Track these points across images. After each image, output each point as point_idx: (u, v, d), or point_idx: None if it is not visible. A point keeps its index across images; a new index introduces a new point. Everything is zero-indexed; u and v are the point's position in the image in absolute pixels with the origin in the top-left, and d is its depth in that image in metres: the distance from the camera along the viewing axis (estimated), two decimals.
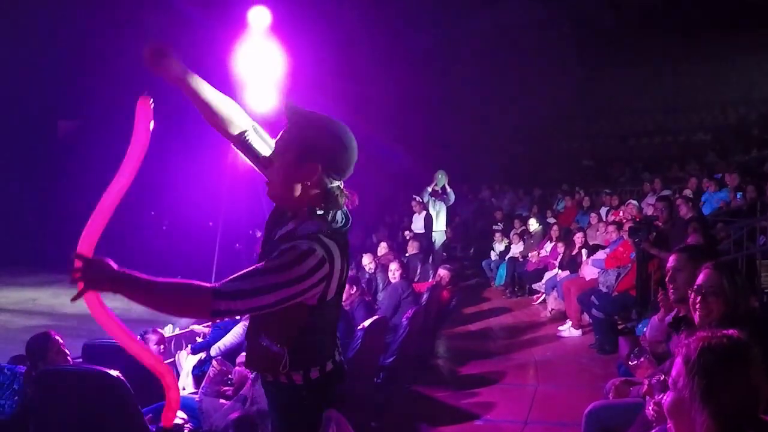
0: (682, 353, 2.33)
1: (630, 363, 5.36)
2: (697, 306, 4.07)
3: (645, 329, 7.55)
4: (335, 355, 3.34)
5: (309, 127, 3.13)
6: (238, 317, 2.77)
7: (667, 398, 2.39)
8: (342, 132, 3.19)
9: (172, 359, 8.53)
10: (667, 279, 4.83)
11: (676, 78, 25.77)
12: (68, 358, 5.70)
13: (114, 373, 4.81)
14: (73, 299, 3.00)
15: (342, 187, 3.16)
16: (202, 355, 8.44)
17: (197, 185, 18.72)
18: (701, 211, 12.79)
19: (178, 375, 8.51)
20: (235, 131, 3.33)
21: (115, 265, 2.97)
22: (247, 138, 3.35)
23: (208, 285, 2.88)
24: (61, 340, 5.62)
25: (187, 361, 8.42)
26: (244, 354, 6.76)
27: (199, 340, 9.04)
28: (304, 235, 3.03)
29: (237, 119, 3.34)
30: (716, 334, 2.31)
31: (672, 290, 4.75)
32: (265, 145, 3.38)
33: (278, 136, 3.18)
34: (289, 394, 3.31)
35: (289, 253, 2.93)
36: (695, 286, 4.08)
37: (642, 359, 5.23)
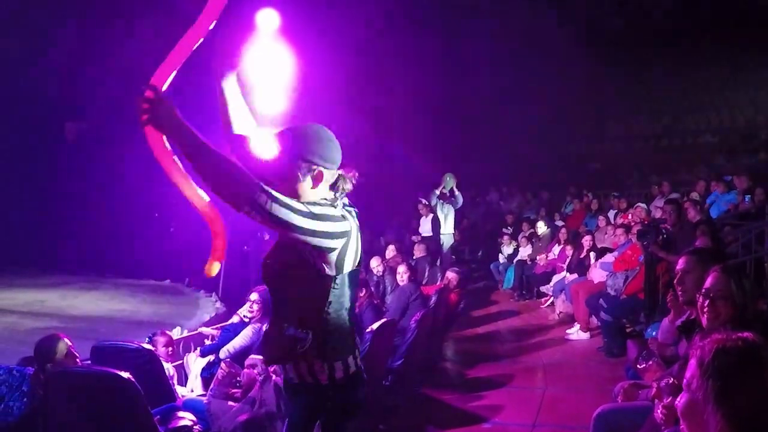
0: (697, 355, 2.32)
1: (638, 366, 5.36)
2: (705, 309, 4.06)
3: (653, 332, 7.55)
4: (357, 355, 3.57)
5: (294, 142, 3.49)
6: (265, 217, 2.85)
7: (680, 400, 2.39)
8: (319, 130, 3.57)
9: (180, 361, 8.53)
10: (675, 281, 4.83)
11: (684, 81, 25.73)
12: (77, 360, 5.71)
13: (125, 374, 4.83)
14: (142, 125, 3.17)
15: (341, 172, 3.60)
16: (211, 357, 8.45)
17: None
18: (709, 213, 12.80)
19: (186, 377, 8.52)
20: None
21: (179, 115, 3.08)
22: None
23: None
24: (70, 343, 5.62)
25: (195, 363, 8.43)
26: (253, 356, 6.79)
27: (207, 342, 9.04)
28: None
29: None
30: (731, 336, 2.31)
31: (680, 293, 4.76)
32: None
33: (270, 162, 3.57)
34: (315, 396, 3.52)
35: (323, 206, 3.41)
36: (703, 290, 4.07)
37: (650, 362, 5.22)
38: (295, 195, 3.42)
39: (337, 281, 3.48)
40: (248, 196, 3.07)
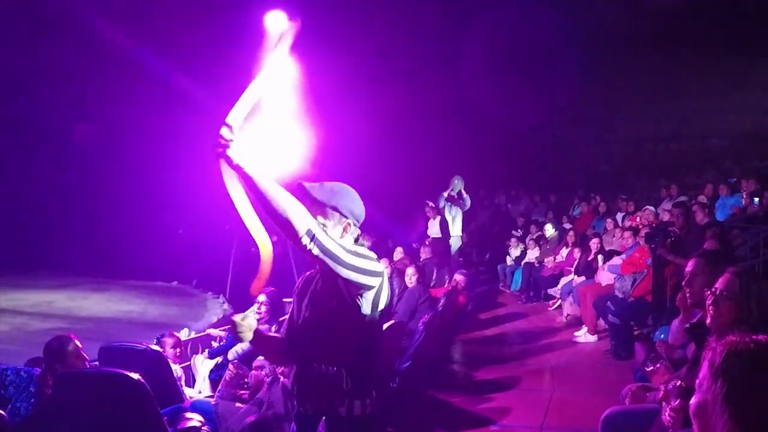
0: (708, 356, 2.33)
1: (646, 369, 5.36)
2: (710, 308, 4.08)
3: (661, 335, 7.55)
4: (373, 396, 3.85)
5: (335, 196, 3.86)
6: (316, 252, 3.16)
7: (692, 400, 2.40)
8: (350, 189, 3.96)
9: (188, 363, 8.55)
10: (683, 283, 4.84)
11: (693, 84, 25.69)
12: (86, 361, 5.72)
13: (134, 375, 4.85)
14: (215, 158, 3.44)
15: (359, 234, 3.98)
16: (219, 359, 8.46)
17: (213, 189, 18.73)
18: (715, 217, 12.79)
19: (194, 379, 8.54)
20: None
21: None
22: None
23: None
24: (79, 344, 5.64)
25: (203, 365, 8.45)
26: (260, 358, 6.79)
27: (215, 344, 9.05)
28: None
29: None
30: (744, 338, 2.31)
31: (689, 295, 4.77)
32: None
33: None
34: (336, 427, 3.80)
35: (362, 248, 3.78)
36: (713, 288, 4.09)
37: (658, 365, 5.22)
38: None
39: (372, 320, 3.77)
40: (305, 229, 3.41)
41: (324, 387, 3.77)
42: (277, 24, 4.08)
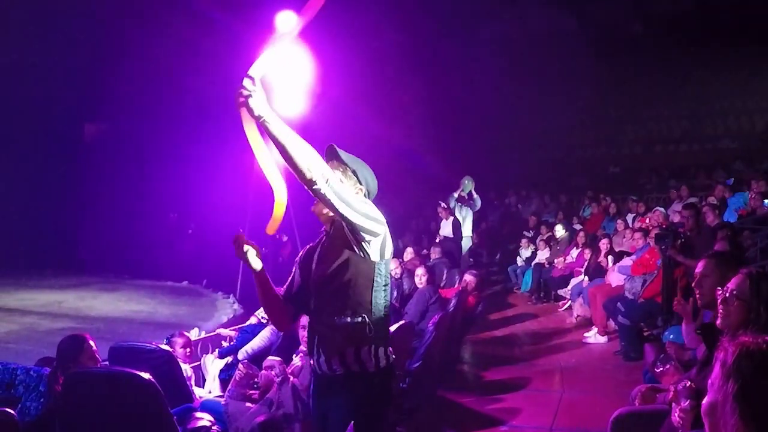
0: (720, 356, 2.33)
1: (656, 370, 5.36)
2: (720, 307, 4.09)
3: (671, 336, 7.54)
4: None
5: (355, 163, 4.19)
6: (329, 196, 3.37)
7: (705, 400, 2.40)
8: (371, 169, 4.27)
9: (198, 363, 8.56)
10: (693, 284, 4.84)
11: (703, 85, 25.64)
12: (98, 362, 5.72)
13: (145, 375, 4.85)
14: (238, 107, 3.59)
15: None
16: (229, 358, 8.47)
17: (223, 188, 18.76)
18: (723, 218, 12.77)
19: (204, 379, 8.55)
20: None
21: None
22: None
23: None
24: (93, 344, 5.64)
25: (213, 364, 8.45)
26: (270, 358, 6.80)
27: (225, 344, 9.06)
28: None
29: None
30: (757, 339, 2.32)
31: (698, 296, 4.77)
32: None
33: None
34: (363, 384, 3.97)
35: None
36: (724, 288, 4.09)
37: (668, 366, 5.23)
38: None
39: (381, 269, 4.04)
40: (320, 172, 3.62)
41: (348, 337, 3.96)
42: (287, 24, 4.14)
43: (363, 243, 3.92)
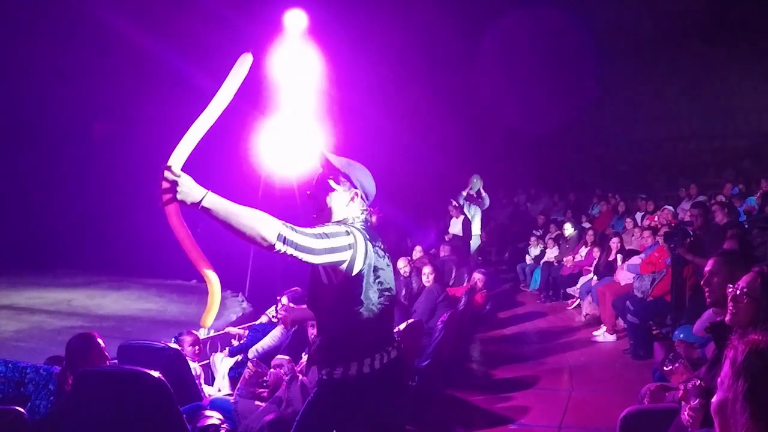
0: (730, 354, 2.33)
1: (665, 368, 5.35)
2: (730, 305, 4.09)
3: (681, 335, 7.54)
4: (384, 353, 4.10)
5: (348, 167, 4.24)
6: (291, 251, 3.57)
7: (714, 399, 2.40)
8: (366, 170, 4.31)
9: (206, 361, 8.58)
10: (702, 283, 4.84)
11: (713, 84, 25.59)
12: (108, 360, 5.74)
13: (155, 374, 4.87)
14: (163, 205, 3.51)
15: (366, 208, 4.26)
16: (239, 357, 8.49)
17: (232, 189, 18.76)
18: (737, 216, 12.75)
19: (213, 377, 8.57)
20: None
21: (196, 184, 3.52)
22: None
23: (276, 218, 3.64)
24: (102, 343, 5.66)
25: (222, 363, 8.47)
26: (279, 356, 6.83)
27: (234, 342, 9.07)
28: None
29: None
30: (766, 337, 2.31)
31: (707, 293, 4.77)
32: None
33: (316, 179, 4.27)
34: (341, 390, 4.08)
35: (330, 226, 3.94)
36: (735, 285, 4.09)
37: (677, 364, 5.22)
38: (326, 206, 4.20)
39: (348, 287, 4.00)
40: (275, 235, 3.57)
41: (314, 353, 4.33)
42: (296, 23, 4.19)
43: (332, 271, 3.99)
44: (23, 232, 21.32)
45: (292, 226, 3.69)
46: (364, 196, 4.22)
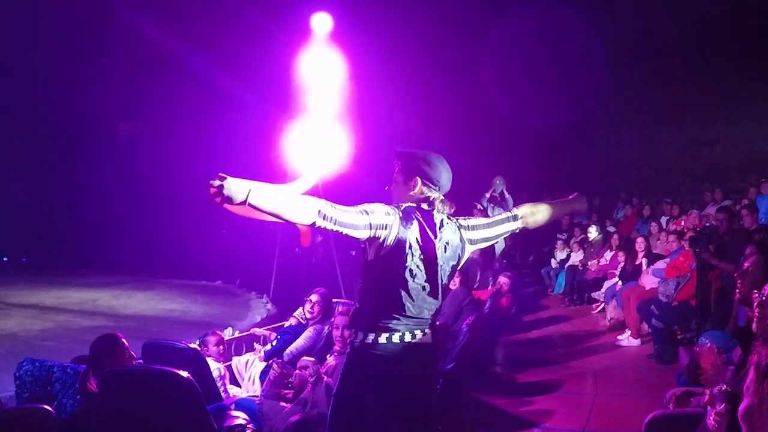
0: (755, 360, 2.34)
1: (695, 349, 5.36)
2: (756, 311, 4.08)
3: (707, 342, 7.54)
4: (408, 333, 4.29)
5: (410, 157, 4.50)
6: (332, 226, 3.92)
7: (741, 405, 2.41)
8: (434, 157, 4.53)
9: (230, 362, 8.61)
10: (736, 274, 4.84)
11: (738, 87, 25.44)
12: (134, 359, 5.77)
13: (183, 373, 4.90)
14: (218, 205, 3.73)
15: (443, 198, 4.52)
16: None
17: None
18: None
19: (240, 377, 8.58)
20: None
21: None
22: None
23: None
24: (126, 342, 5.69)
25: (255, 366, 8.47)
26: (305, 358, 6.86)
27: (257, 345, 9.06)
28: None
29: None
30: None
31: (739, 286, 4.78)
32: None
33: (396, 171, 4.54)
34: (359, 356, 4.31)
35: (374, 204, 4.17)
36: (761, 291, 4.09)
37: (707, 344, 5.23)
38: (398, 189, 4.50)
39: (376, 261, 4.24)
40: (315, 212, 3.85)
41: (350, 318, 4.79)
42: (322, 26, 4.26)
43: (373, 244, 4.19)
44: (50, 233, 21.44)
45: (334, 204, 3.94)
46: (426, 182, 4.41)
